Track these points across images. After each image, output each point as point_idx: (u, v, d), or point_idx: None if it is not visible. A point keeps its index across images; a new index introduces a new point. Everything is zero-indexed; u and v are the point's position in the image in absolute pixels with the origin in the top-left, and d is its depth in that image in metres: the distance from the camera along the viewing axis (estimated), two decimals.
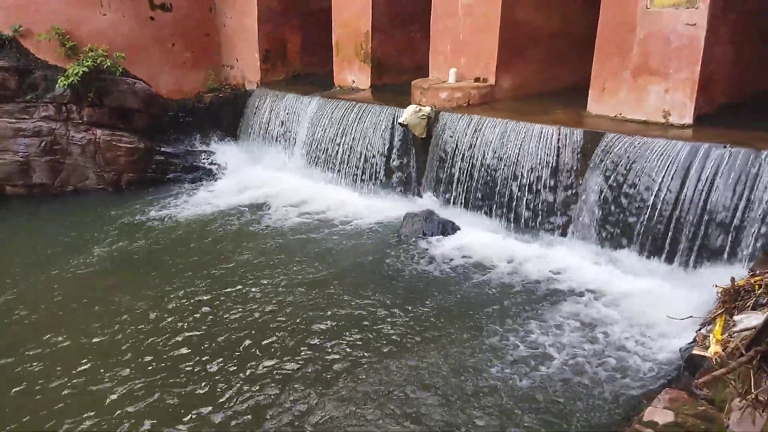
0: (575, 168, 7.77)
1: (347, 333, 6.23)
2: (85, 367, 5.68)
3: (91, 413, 5.05)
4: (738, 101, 8.52)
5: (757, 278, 4.08)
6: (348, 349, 5.94)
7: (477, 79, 9.74)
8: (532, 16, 9.75)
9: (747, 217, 6.36)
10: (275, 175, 11.18)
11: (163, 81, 12.14)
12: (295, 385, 5.39)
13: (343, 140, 10.32)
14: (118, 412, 5.07)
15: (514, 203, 8.31)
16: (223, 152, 12.08)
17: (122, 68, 11.01)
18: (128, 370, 5.64)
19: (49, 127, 10.57)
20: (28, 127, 10.44)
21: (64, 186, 10.85)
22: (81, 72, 10.33)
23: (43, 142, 10.53)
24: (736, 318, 3.63)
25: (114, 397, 5.26)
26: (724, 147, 6.67)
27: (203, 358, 5.81)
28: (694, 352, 3.92)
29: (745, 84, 8.72)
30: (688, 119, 7.69)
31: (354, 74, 11.71)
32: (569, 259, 7.52)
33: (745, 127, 7.48)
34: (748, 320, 3.50)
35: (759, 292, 3.93)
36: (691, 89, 7.60)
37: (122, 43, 11.30)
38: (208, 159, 11.89)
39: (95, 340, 6.16)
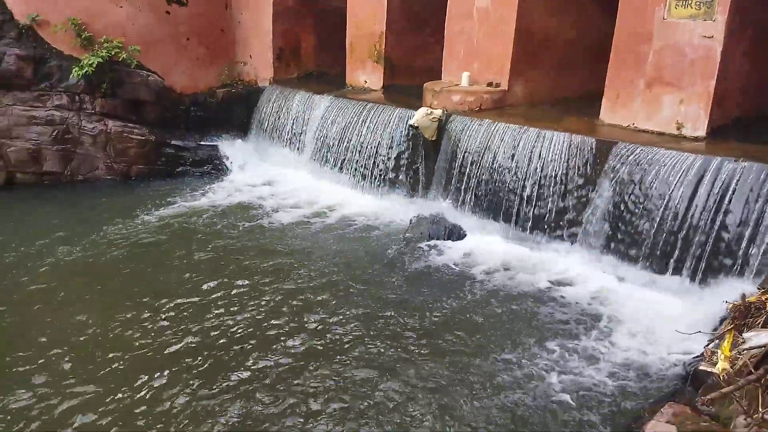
0: (586, 177, 7.73)
1: (346, 335, 6.21)
2: (70, 358, 5.70)
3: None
4: (753, 115, 8.45)
5: None
6: (345, 352, 5.92)
7: (490, 84, 9.72)
8: (546, 22, 9.72)
9: (758, 233, 6.30)
10: (284, 172, 11.20)
11: (177, 75, 12.19)
12: (295, 387, 5.39)
13: (353, 140, 10.32)
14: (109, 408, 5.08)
15: (523, 209, 8.27)
16: (234, 148, 12.11)
17: (137, 61, 11.07)
18: (117, 364, 5.65)
19: (62, 116, 10.64)
20: (41, 116, 10.51)
21: (74, 175, 10.92)
22: (95, 63, 10.41)
23: (56, 131, 10.59)
24: (745, 335, 3.59)
25: (102, 391, 5.27)
26: (737, 161, 6.62)
27: (209, 352, 5.82)
28: (701, 367, 3.88)
29: (760, 98, 8.65)
30: (702, 132, 7.64)
31: (366, 75, 11.72)
32: (577, 268, 7.47)
33: (759, 141, 7.43)
34: (758, 338, 3.46)
35: None
36: (705, 102, 7.54)
37: (138, 36, 11.37)
38: (218, 154, 11.93)
39: (84, 332, 6.16)
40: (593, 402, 5.21)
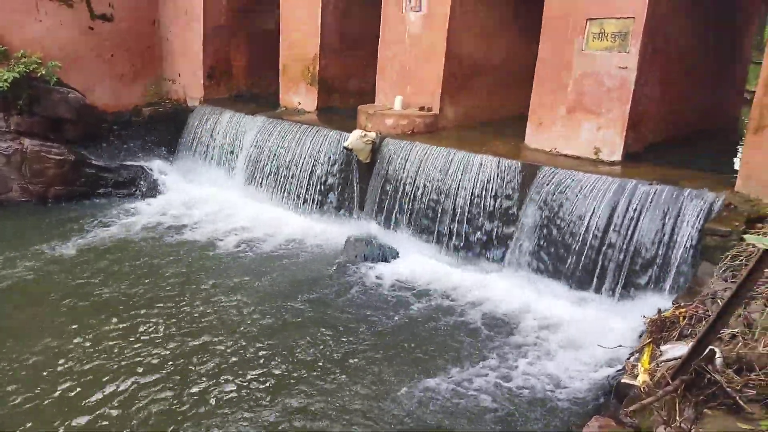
0: (512, 199, 8.01)
1: (276, 360, 6.10)
2: None
3: None
4: (665, 140, 9.03)
5: (681, 310, 4.30)
6: (273, 378, 5.81)
7: (422, 108, 9.93)
8: (475, 48, 10.08)
9: (671, 252, 6.72)
10: (214, 193, 10.93)
11: (100, 92, 11.73)
12: (218, 412, 5.22)
13: (286, 161, 10.24)
14: None
15: (454, 231, 8.46)
16: (161, 168, 11.73)
17: (57, 77, 10.56)
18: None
19: None
20: None
21: None
22: (11, 78, 9.86)
23: None
24: (662, 348, 3.81)
25: None
26: (650, 184, 7.06)
27: (127, 387, 5.54)
28: (623, 380, 4.06)
29: (672, 123, 9.26)
30: (617, 156, 8.09)
31: (300, 96, 11.70)
32: (505, 287, 7.67)
33: (671, 165, 7.94)
34: (674, 350, 3.67)
35: (683, 323, 4.14)
36: (621, 127, 8.01)
37: (58, 51, 10.89)
38: (143, 175, 11.47)
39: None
40: (521, 419, 5.33)
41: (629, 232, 6.98)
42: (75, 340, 6.24)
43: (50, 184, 10.65)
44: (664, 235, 6.78)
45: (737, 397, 3.09)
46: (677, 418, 3.19)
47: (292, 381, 5.74)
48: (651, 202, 6.92)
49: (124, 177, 11.34)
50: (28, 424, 4.94)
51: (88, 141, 11.28)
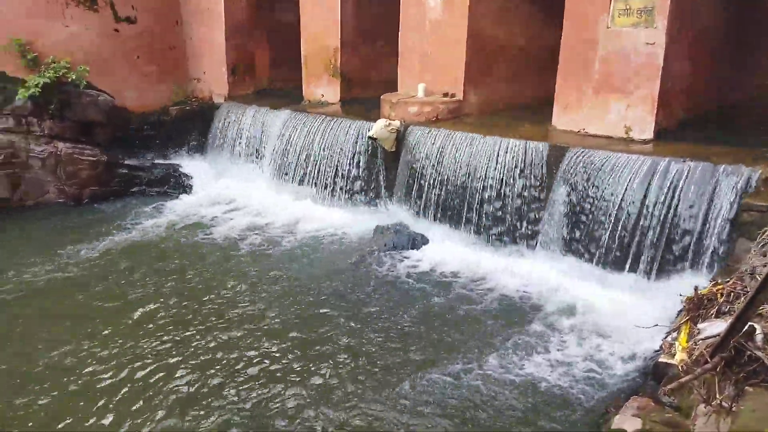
0: (541, 182, 7.93)
1: (312, 347, 6.18)
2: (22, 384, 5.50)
3: None
4: (697, 116, 8.83)
5: (719, 287, 4.22)
6: (310, 365, 5.90)
7: (445, 94, 9.88)
8: (497, 32, 9.97)
9: (706, 228, 6.58)
10: (243, 188, 11.08)
11: (128, 94, 11.95)
12: (259, 395, 5.32)
13: (312, 154, 10.32)
14: None
15: (483, 216, 8.42)
16: (191, 166, 11.94)
17: (86, 81, 10.80)
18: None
19: (9, 139, 10.27)
20: None
21: (24, 200, 10.54)
22: (42, 83, 10.12)
23: (2, 155, 10.21)
24: (700, 326, 3.75)
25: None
26: (684, 161, 6.91)
27: (171, 379, 5.69)
28: (661, 359, 4.02)
29: (703, 99, 9.06)
30: (649, 134, 7.94)
31: (323, 88, 11.75)
32: (536, 271, 7.63)
33: (704, 141, 7.76)
34: (712, 328, 3.61)
35: (721, 300, 4.07)
36: (651, 105, 7.85)
37: (86, 55, 11.11)
38: (174, 173, 11.71)
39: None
40: (559, 401, 5.31)
41: (663, 211, 6.85)
42: (104, 333, 6.43)
43: (85, 185, 10.93)
44: (699, 213, 6.64)
45: None
46: (717, 396, 3.15)
47: (322, 368, 5.81)
48: (685, 180, 6.78)
49: (155, 176, 11.57)
50: (68, 419, 5.12)
51: (119, 142, 11.53)
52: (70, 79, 10.52)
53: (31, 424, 5.05)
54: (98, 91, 11.22)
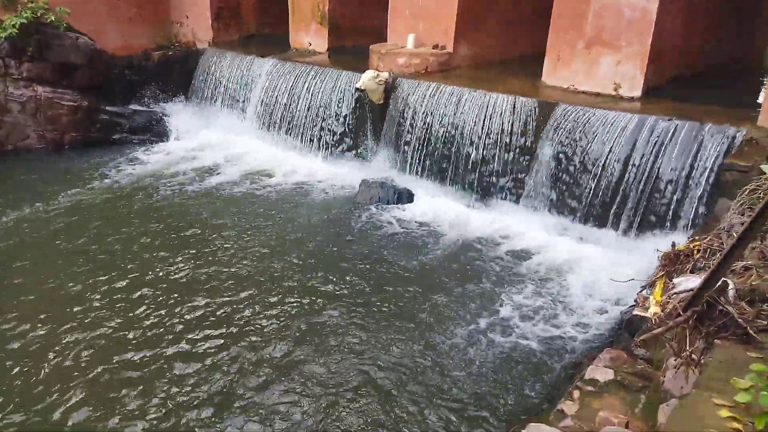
0: (528, 138, 7.89)
1: (299, 301, 6.23)
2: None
3: None
4: (687, 75, 8.76)
5: (696, 243, 4.27)
6: (295, 318, 5.96)
7: (435, 46, 9.69)
8: None
9: (689, 188, 6.63)
10: (227, 137, 10.91)
11: (109, 37, 11.56)
12: (244, 354, 5.39)
13: (298, 104, 10.13)
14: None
15: (469, 170, 8.40)
16: (174, 113, 11.68)
17: (66, 23, 10.42)
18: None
19: None
20: None
21: (3, 145, 10.32)
22: (19, 23, 9.75)
23: None
24: (675, 281, 3.80)
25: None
26: (670, 120, 6.89)
27: (151, 325, 5.73)
28: (635, 313, 4.09)
29: (694, 58, 8.97)
30: (638, 92, 7.89)
31: (311, 37, 11.46)
32: (521, 225, 7.70)
33: (693, 99, 7.73)
34: (687, 283, 3.67)
35: (698, 256, 4.12)
36: (641, 62, 7.77)
37: None
38: (157, 119, 11.46)
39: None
40: (535, 352, 5.44)
41: (647, 169, 6.89)
42: (89, 282, 6.40)
43: (65, 131, 10.70)
44: (683, 172, 6.68)
45: (748, 328, 3.10)
46: (687, 348, 3.23)
47: (307, 317, 5.88)
48: (671, 138, 6.78)
49: (138, 123, 11.34)
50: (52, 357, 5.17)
51: (100, 87, 11.22)
52: (48, 20, 10.14)
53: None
54: (78, 34, 10.84)
